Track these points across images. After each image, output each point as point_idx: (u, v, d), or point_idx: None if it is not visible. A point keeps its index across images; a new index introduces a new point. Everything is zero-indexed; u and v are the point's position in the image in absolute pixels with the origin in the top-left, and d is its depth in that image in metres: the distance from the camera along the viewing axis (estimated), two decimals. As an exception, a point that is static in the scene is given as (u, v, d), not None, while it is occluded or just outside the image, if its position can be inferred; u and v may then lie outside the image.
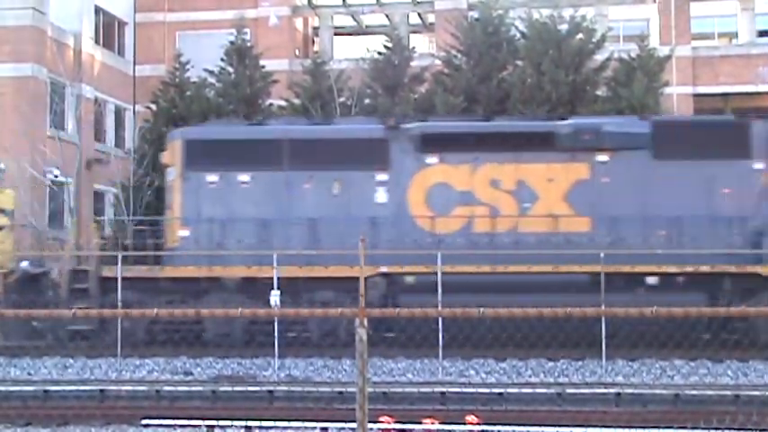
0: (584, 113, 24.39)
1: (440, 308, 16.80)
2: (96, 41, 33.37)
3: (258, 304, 18.60)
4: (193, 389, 16.05)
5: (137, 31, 36.11)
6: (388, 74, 28.14)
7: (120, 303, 18.11)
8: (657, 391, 15.37)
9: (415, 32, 39.35)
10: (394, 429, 12.49)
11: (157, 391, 15.80)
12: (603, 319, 16.94)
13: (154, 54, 35.29)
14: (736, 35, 36.73)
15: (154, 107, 28.97)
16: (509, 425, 12.71)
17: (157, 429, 13.10)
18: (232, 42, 29.20)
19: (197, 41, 33.57)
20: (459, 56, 28.23)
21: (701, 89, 32.91)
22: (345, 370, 17.77)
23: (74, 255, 22.13)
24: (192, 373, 17.96)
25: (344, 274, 19.11)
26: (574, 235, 19.72)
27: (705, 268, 19.08)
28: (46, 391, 15.81)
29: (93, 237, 22.80)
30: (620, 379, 16.83)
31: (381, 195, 20.28)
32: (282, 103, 29.16)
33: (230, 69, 28.93)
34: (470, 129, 20.88)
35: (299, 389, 15.92)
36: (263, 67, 29.27)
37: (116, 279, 18.93)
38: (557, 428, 12.62)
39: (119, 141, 33.69)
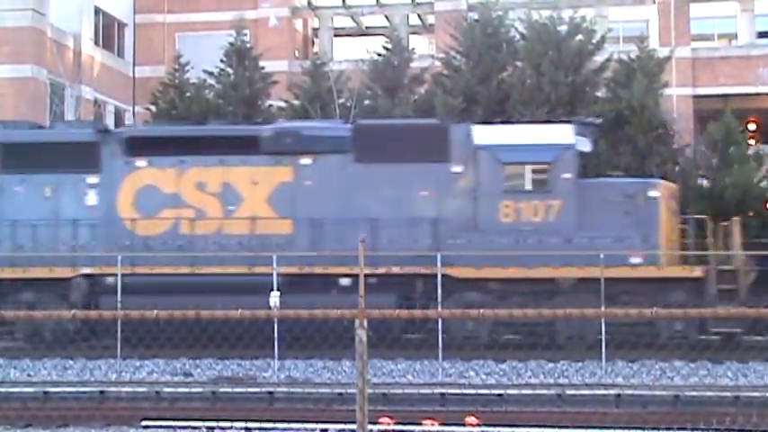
0: (584, 114, 24.39)
1: (443, 309, 16.85)
2: (96, 43, 33.39)
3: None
4: (193, 390, 16.05)
5: (136, 33, 36.14)
6: (388, 75, 28.13)
7: (119, 303, 18.12)
8: (657, 393, 15.37)
9: (414, 33, 39.34)
10: (394, 430, 12.49)
11: (157, 393, 15.79)
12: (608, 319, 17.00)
13: (153, 55, 35.30)
14: (735, 36, 36.72)
15: (153, 108, 28.97)
16: (509, 426, 12.72)
17: (157, 430, 13.10)
18: (232, 43, 29.20)
19: (197, 42, 33.59)
20: (459, 57, 28.23)
21: (701, 90, 32.91)
22: (345, 371, 17.76)
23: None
24: (191, 375, 17.95)
25: (45, 276, 19.85)
26: (275, 237, 20.08)
27: (396, 269, 19.34)
28: (46, 393, 15.80)
29: None
30: (619, 380, 16.83)
31: (92, 198, 20.73)
32: (282, 104, 29.16)
33: (230, 70, 28.93)
34: (177, 133, 21.54)
35: (298, 390, 15.93)
36: (263, 68, 29.27)
37: None
38: (557, 429, 12.63)
39: (118, 142, 33.66)
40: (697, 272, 19.27)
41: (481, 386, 16.29)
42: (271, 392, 15.76)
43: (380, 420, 12.41)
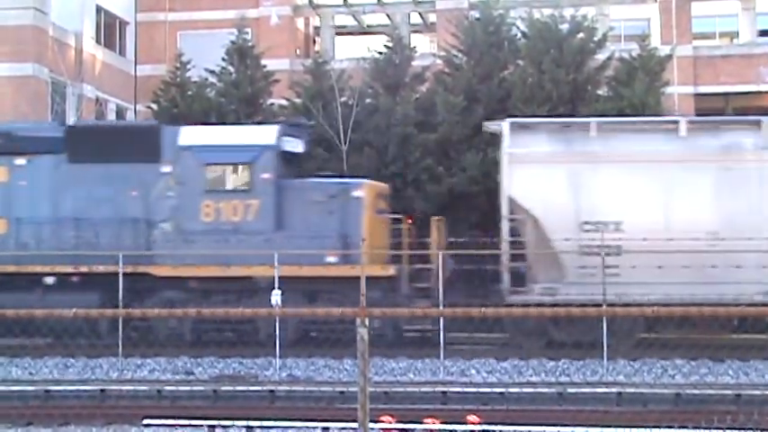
0: (586, 113, 24.41)
1: (441, 307, 16.85)
2: (97, 41, 33.39)
3: None
4: (195, 388, 16.08)
5: (138, 31, 36.12)
6: (389, 73, 28.10)
7: (120, 303, 18.14)
8: (658, 391, 15.39)
9: (416, 32, 39.32)
10: (395, 429, 12.50)
11: (159, 391, 15.83)
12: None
13: (155, 54, 35.28)
14: (737, 35, 36.70)
15: (155, 107, 28.94)
16: (510, 424, 12.72)
17: (159, 429, 13.12)
18: (233, 42, 29.16)
19: (198, 41, 33.56)
20: (460, 55, 28.20)
21: (703, 89, 32.86)
22: (346, 369, 17.78)
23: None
24: (193, 373, 17.97)
25: None
26: None
27: (101, 269, 19.49)
28: (47, 391, 15.84)
29: None
30: (621, 378, 16.85)
31: None
32: (284, 102, 29.13)
33: (231, 69, 28.90)
34: None
35: (300, 388, 15.95)
36: (265, 66, 29.24)
37: None
38: (558, 428, 12.63)
39: (120, 141, 33.66)
40: (390, 270, 19.63)
41: (482, 384, 16.31)
42: (272, 391, 15.80)
43: (382, 419, 12.41)
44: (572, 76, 26.06)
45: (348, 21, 40.06)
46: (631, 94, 25.57)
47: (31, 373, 17.93)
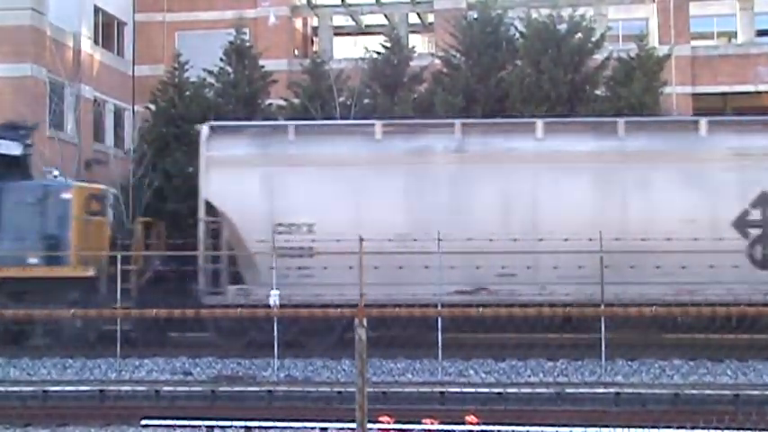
0: (584, 113, 24.42)
1: (439, 307, 16.83)
2: (95, 41, 33.35)
3: None
4: (193, 389, 16.07)
5: (136, 31, 36.09)
6: (388, 73, 28.12)
7: (119, 303, 18.13)
8: (657, 391, 15.38)
9: (414, 32, 39.32)
10: (393, 429, 12.49)
11: (157, 392, 15.82)
12: (604, 319, 17.00)
13: (153, 54, 35.26)
14: (735, 35, 36.72)
15: (153, 107, 28.95)
16: (508, 425, 12.72)
17: (157, 429, 13.11)
18: (231, 42, 29.17)
19: (196, 41, 33.54)
20: (459, 55, 28.22)
21: (701, 89, 32.86)
22: (345, 370, 17.77)
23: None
24: (191, 374, 17.96)
25: None
26: None
27: None
28: (45, 392, 15.83)
29: None
30: (619, 378, 16.84)
31: None
32: (282, 102, 29.14)
33: (229, 69, 28.90)
34: None
35: (298, 389, 15.94)
36: (263, 66, 29.24)
37: None
38: (556, 428, 12.63)
39: (118, 142, 33.64)
40: (90, 271, 19.83)
41: (481, 385, 16.30)
42: (270, 391, 15.79)
43: (380, 419, 12.41)
44: (570, 76, 26.08)
45: (346, 21, 40.06)
46: (629, 94, 25.61)
47: (29, 374, 17.91)
